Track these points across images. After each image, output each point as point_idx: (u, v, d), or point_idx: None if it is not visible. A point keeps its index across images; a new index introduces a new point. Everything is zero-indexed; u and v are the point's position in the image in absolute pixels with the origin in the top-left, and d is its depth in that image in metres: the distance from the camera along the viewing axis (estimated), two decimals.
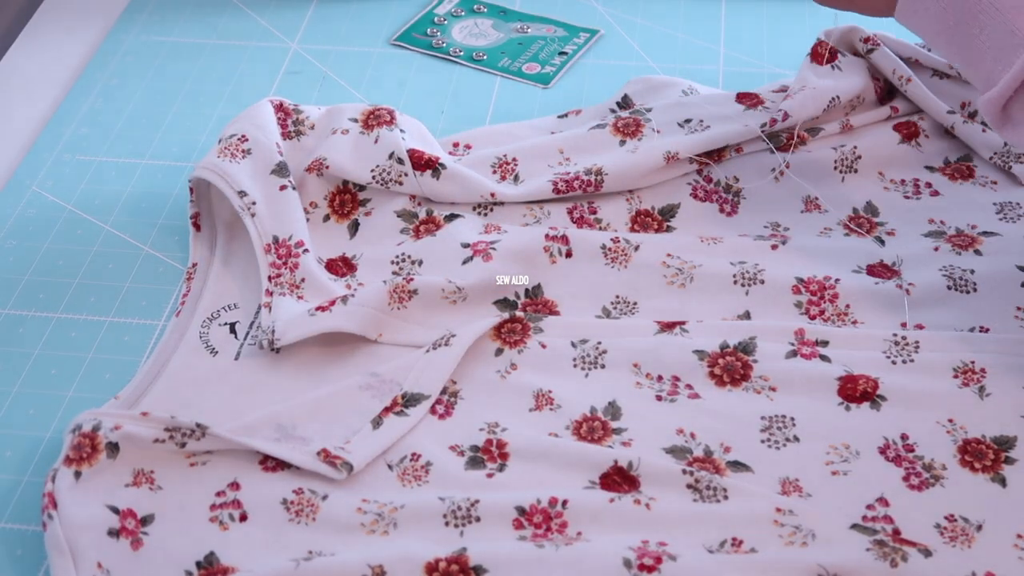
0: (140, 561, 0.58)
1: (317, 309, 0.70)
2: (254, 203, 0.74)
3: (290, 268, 0.72)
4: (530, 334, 0.71)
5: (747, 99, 0.83)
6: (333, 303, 0.70)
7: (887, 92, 0.86)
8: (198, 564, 0.59)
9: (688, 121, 0.81)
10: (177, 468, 0.63)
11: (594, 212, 0.79)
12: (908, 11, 0.67)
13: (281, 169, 0.76)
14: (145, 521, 0.60)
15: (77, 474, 0.60)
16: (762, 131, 0.80)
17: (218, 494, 0.62)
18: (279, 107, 0.81)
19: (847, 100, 0.83)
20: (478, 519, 0.61)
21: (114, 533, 0.59)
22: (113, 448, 0.62)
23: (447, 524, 0.61)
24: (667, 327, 0.69)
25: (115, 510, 0.60)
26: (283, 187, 0.75)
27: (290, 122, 0.81)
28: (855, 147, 0.82)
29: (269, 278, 0.72)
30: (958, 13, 0.64)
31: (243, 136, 0.77)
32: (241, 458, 0.64)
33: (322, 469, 0.62)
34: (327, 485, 0.63)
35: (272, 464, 0.63)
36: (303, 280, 0.72)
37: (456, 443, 0.66)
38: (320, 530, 0.61)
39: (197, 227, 0.77)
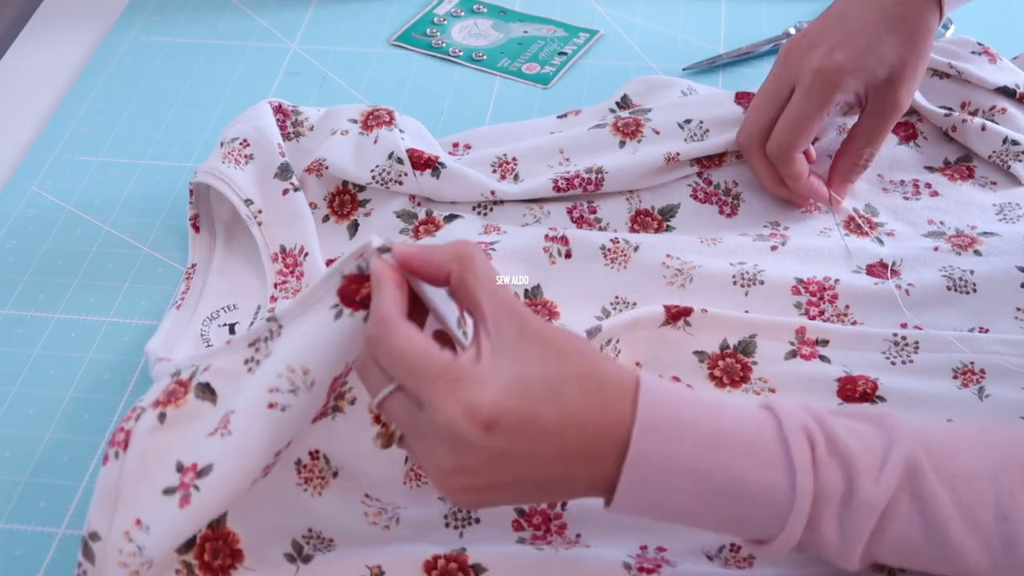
0: (180, 519, 0.55)
1: None
2: (260, 211, 0.74)
3: (296, 276, 0.72)
4: None
5: (746, 99, 0.83)
6: None
7: None
8: (209, 524, 0.58)
9: (688, 122, 0.81)
10: (255, 410, 0.56)
11: (594, 212, 0.79)
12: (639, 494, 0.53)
13: (284, 172, 0.75)
14: (202, 473, 0.55)
15: (162, 416, 0.57)
16: None
17: (277, 453, 0.57)
18: (278, 108, 0.81)
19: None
20: (478, 520, 0.61)
21: (170, 491, 0.55)
22: (207, 391, 0.58)
23: (447, 525, 0.61)
24: (672, 318, 0.69)
25: (180, 467, 0.56)
26: (286, 191, 0.75)
27: (289, 123, 0.81)
28: None
29: (275, 285, 0.72)
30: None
31: (244, 141, 0.77)
32: (311, 409, 0.59)
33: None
34: (342, 455, 0.62)
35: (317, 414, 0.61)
36: (308, 286, 0.72)
37: None
38: (324, 505, 0.61)
39: (196, 228, 0.77)
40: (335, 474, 0.63)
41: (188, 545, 0.58)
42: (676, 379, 0.68)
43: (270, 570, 0.58)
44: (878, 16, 0.74)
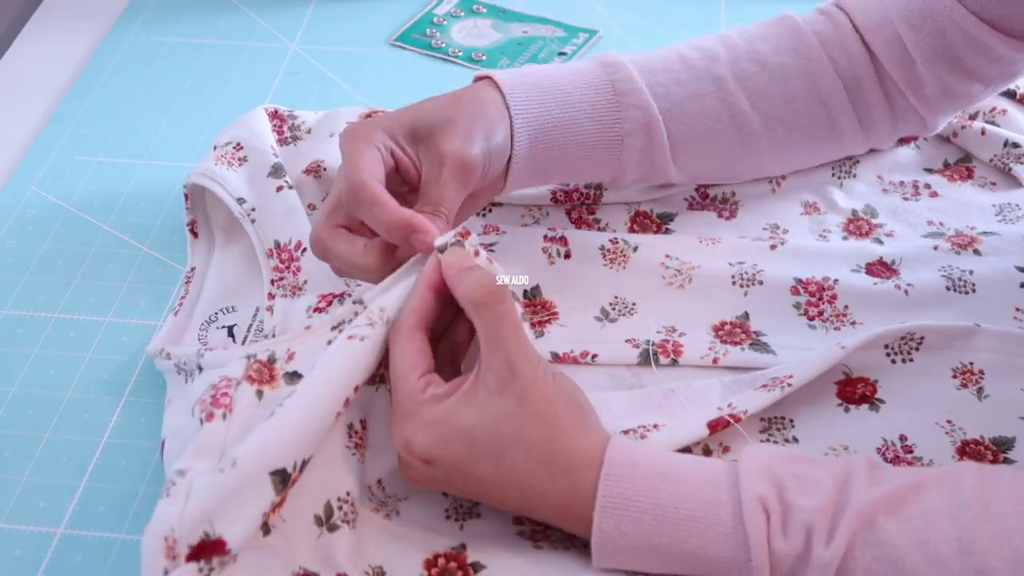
0: (264, 428, 0.55)
1: (314, 311, 0.70)
2: (253, 209, 0.74)
3: (293, 272, 0.72)
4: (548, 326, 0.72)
5: None
6: (330, 303, 0.70)
7: None
8: (276, 473, 0.55)
9: None
10: (337, 346, 0.59)
11: (592, 212, 0.79)
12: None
13: (277, 171, 0.75)
14: (287, 397, 0.58)
15: (259, 393, 0.59)
16: None
17: (356, 388, 0.59)
18: (274, 114, 0.81)
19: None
20: (479, 515, 0.61)
21: None
22: (295, 377, 0.60)
23: (448, 517, 0.61)
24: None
25: None
26: (279, 188, 0.75)
27: (286, 128, 0.81)
28: None
29: (272, 282, 0.72)
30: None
31: (238, 144, 0.77)
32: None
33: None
34: (374, 430, 0.63)
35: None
36: (305, 282, 0.72)
37: None
38: (362, 474, 0.62)
39: (194, 234, 0.77)
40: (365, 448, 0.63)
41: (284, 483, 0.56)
42: None
43: (297, 527, 0.58)
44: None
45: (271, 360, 0.61)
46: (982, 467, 0.57)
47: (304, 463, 0.56)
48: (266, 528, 0.56)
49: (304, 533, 0.58)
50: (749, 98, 0.73)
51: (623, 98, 0.70)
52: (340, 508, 0.59)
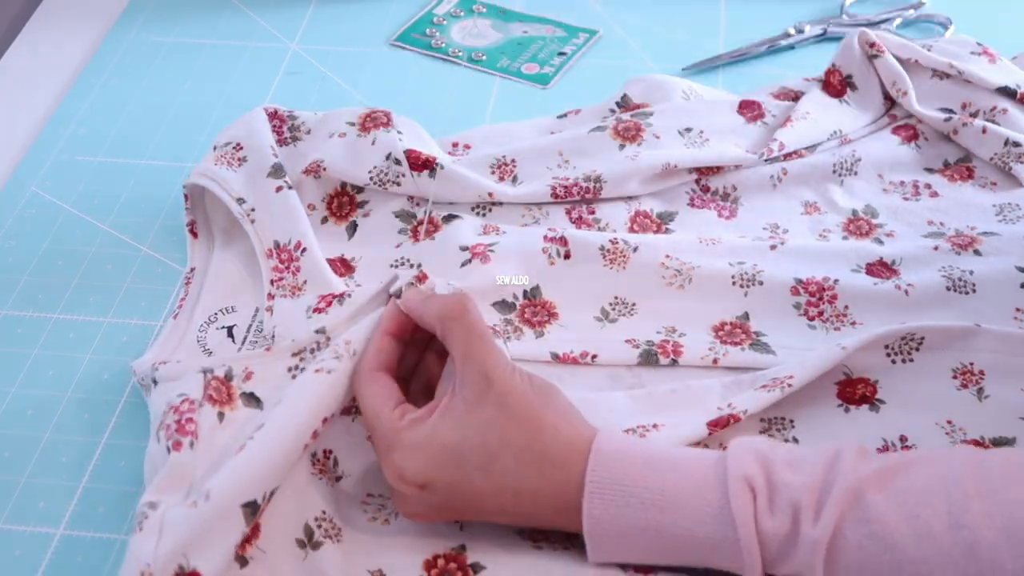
0: (234, 462, 0.56)
1: (314, 311, 0.70)
2: (253, 209, 0.74)
3: (292, 272, 0.72)
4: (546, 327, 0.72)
5: (748, 109, 0.83)
6: (330, 304, 0.70)
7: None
8: (247, 505, 0.56)
9: (688, 130, 0.81)
10: (304, 379, 0.61)
11: (592, 212, 0.79)
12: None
13: (277, 171, 0.75)
14: (256, 429, 0.58)
15: (220, 415, 0.60)
16: (761, 159, 0.80)
17: (324, 420, 0.60)
18: (273, 114, 0.81)
19: (849, 133, 0.83)
20: None
21: None
22: (253, 399, 0.61)
23: None
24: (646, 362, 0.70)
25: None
26: (279, 188, 0.75)
27: (286, 128, 0.81)
28: (854, 150, 0.82)
29: (271, 282, 0.72)
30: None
31: (238, 144, 0.77)
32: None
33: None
34: (351, 458, 0.63)
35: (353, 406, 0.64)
36: (305, 282, 0.72)
37: None
38: (336, 493, 0.62)
39: (194, 234, 0.77)
40: (338, 479, 0.63)
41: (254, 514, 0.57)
42: None
43: (279, 555, 0.58)
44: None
45: (228, 377, 0.61)
46: (975, 448, 0.56)
47: (272, 493, 0.57)
48: (243, 561, 0.57)
49: (287, 559, 0.58)
50: None
51: None
52: (320, 526, 0.60)
